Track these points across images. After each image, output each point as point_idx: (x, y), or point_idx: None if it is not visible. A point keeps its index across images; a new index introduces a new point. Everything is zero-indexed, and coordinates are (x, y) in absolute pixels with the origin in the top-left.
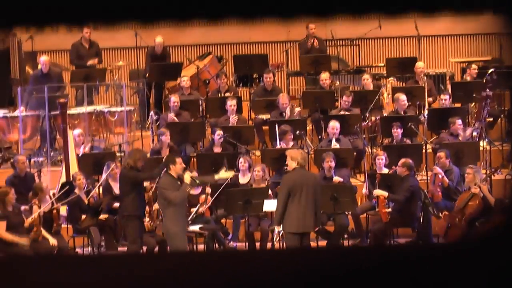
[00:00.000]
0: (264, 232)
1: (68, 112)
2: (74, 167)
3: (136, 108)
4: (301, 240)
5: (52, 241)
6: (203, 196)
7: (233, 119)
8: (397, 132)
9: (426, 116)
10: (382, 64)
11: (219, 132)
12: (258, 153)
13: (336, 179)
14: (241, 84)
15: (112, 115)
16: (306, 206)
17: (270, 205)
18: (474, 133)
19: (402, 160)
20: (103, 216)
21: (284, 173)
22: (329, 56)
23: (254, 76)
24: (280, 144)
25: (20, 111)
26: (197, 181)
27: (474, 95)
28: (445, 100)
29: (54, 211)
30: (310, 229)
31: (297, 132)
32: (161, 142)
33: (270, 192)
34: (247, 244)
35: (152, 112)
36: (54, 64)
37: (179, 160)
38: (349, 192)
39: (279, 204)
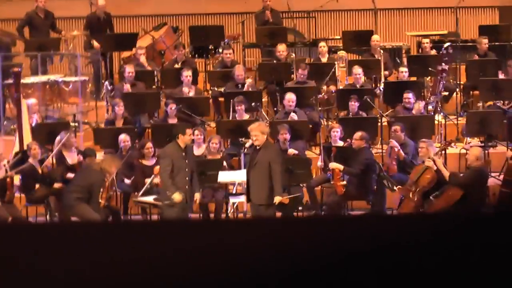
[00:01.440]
0: (219, 204)
1: (22, 81)
2: (27, 137)
3: (90, 78)
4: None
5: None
6: (157, 168)
7: (186, 91)
8: (354, 105)
9: (382, 90)
10: (339, 37)
11: (172, 105)
12: (213, 124)
13: (291, 151)
14: (196, 55)
15: (66, 85)
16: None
17: (225, 176)
18: (430, 107)
19: (358, 133)
20: (57, 185)
21: (245, 147)
22: (285, 28)
23: (210, 47)
24: (235, 115)
25: None
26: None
27: (430, 69)
28: (404, 72)
29: (8, 179)
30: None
31: (253, 104)
32: (115, 113)
33: (225, 163)
34: (201, 215)
35: (106, 82)
36: (6, 33)
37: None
38: (304, 165)
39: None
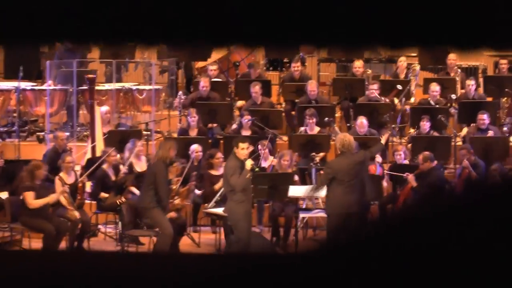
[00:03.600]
0: (288, 218)
1: (96, 88)
2: (100, 144)
3: (164, 87)
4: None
5: (76, 213)
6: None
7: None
8: (425, 124)
9: (456, 109)
10: (415, 54)
11: (247, 116)
12: (285, 138)
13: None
14: (271, 68)
15: (140, 93)
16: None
17: (295, 191)
18: (505, 128)
19: (420, 156)
20: (124, 197)
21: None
22: None
23: (285, 60)
24: (305, 128)
25: (48, 85)
26: (256, 169)
27: (506, 90)
28: (471, 86)
29: (79, 185)
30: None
31: (326, 119)
32: (188, 123)
33: (296, 177)
34: (270, 229)
35: (180, 92)
36: None
37: (242, 145)
38: (375, 181)
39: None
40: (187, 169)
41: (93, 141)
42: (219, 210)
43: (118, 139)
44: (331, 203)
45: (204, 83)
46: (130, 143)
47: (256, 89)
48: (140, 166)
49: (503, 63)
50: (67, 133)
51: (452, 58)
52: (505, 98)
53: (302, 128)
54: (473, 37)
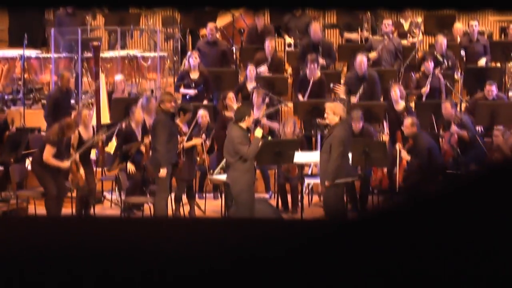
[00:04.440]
0: (294, 184)
1: (101, 55)
2: (105, 111)
3: (170, 54)
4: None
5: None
6: None
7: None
8: (430, 65)
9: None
10: (420, 20)
11: (251, 67)
12: (290, 104)
13: None
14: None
15: (145, 60)
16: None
17: (301, 157)
18: (511, 93)
19: (408, 120)
20: (146, 139)
21: (318, 126)
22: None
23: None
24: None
25: (53, 53)
26: (269, 137)
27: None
28: (475, 27)
29: (100, 143)
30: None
31: (331, 85)
32: (189, 64)
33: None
34: (278, 196)
35: (189, 53)
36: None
37: (250, 117)
38: (381, 148)
39: (337, 161)
40: (192, 127)
41: (98, 108)
42: (223, 177)
43: (124, 105)
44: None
45: (210, 26)
46: (144, 99)
47: (271, 43)
48: (149, 123)
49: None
50: (72, 101)
51: (458, 27)
52: (511, 63)
53: (301, 98)
54: None
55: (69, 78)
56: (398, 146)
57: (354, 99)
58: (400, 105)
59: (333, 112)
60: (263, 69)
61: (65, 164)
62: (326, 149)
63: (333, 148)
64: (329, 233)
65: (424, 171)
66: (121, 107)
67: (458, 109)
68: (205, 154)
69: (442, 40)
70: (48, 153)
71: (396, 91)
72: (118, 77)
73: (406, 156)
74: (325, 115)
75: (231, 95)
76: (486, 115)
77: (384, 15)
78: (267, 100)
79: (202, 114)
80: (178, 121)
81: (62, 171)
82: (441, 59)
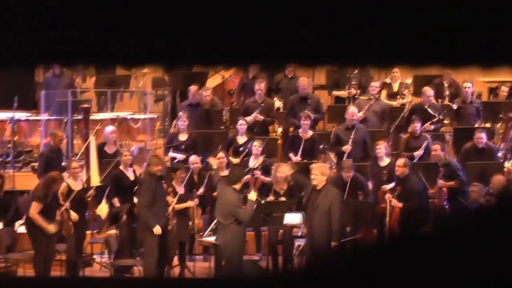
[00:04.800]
0: (287, 245)
1: (91, 117)
2: (94, 174)
3: (160, 116)
4: None
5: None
6: None
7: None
8: (417, 126)
9: (450, 136)
10: (410, 80)
11: (242, 122)
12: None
13: None
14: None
15: (135, 122)
16: None
17: (291, 218)
18: (500, 154)
19: (401, 160)
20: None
21: (306, 187)
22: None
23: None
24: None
25: (44, 116)
26: (262, 202)
27: (501, 115)
28: (468, 88)
29: (89, 198)
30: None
31: (321, 146)
32: (178, 128)
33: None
34: (269, 257)
35: (180, 113)
36: (73, 69)
37: (243, 179)
38: (372, 209)
39: (341, 221)
40: (185, 179)
41: (88, 171)
42: (212, 239)
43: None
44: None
45: (192, 90)
46: (136, 150)
47: (261, 86)
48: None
49: (504, 90)
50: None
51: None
52: (500, 124)
53: (293, 157)
54: (464, 55)
55: (61, 138)
56: (387, 196)
57: (346, 148)
58: (385, 161)
59: (321, 173)
60: (255, 114)
61: (50, 227)
62: (324, 210)
63: (335, 209)
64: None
65: (420, 213)
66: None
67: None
68: (198, 218)
69: (429, 92)
70: (34, 210)
71: (381, 148)
72: (109, 128)
73: (397, 204)
74: (312, 177)
75: (221, 155)
76: (475, 174)
77: (372, 75)
78: (264, 160)
79: (193, 160)
80: (173, 182)
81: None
82: (430, 111)
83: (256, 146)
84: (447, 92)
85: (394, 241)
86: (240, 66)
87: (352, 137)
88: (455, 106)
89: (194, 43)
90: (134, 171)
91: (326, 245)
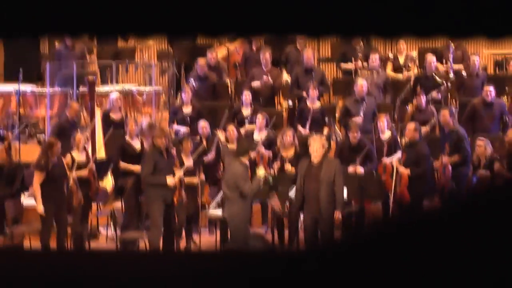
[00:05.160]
0: (292, 219)
1: (96, 90)
2: (100, 146)
3: (165, 88)
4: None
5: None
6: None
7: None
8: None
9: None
10: (415, 53)
11: (246, 92)
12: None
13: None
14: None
15: (140, 95)
16: None
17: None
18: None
19: (412, 124)
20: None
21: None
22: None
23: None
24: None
25: (48, 88)
26: (271, 181)
27: (506, 87)
28: (476, 61)
29: (91, 174)
30: None
31: (326, 118)
32: (182, 100)
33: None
34: (275, 231)
35: (191, 79)
36: (83, 41)
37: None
38: (377, 183)
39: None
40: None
41: (93, 144)
42: (220, 212)
43: (119, 142)
44: None
45: (200, 62)
46: (144, 123)
47: (266, 55)
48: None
49: None
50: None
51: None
52: (505, 97)
53: (302, 129)
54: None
55: (77, 109)
56: (395, 163)
57: (358, 119)
58: (386, 134)
59: (322, 146)
60: (264, 80)
61: (40, 207)
62: (329, 182)
63: (338, 178)
64: (322, 262)
65: (427, 180)
66: (117, 143)
67: None
68: (205, 193)
69: (430, 58)
70: (36, 180)
71: (384, 121)
72: (114, 95)
73: (405, 170)
74: (314, 149)
75: (232, 127)
76: None
77: (377, 48)
78: (268, 132)
79: (203, 126)
80: (182, 154)
81: (65, 204)
82: (436, 78)
83: (260, 119)
84: (451, 55)
85: (402, 214)
86: (244, 36)
87: (363, 109)
88: (464, 73)
89: (198, 12)
90: (142, 142)
91: (332, 217)
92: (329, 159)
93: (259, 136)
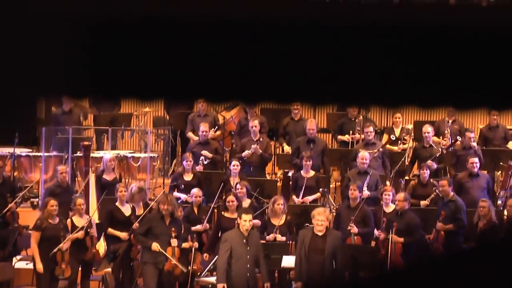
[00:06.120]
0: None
1: (91, 155)
2: (93, 210)
3: (160, 155)
4: None
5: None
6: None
7: (254, 148)
8: (426, 173)
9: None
10: (410, 126)
11: (235, 164)
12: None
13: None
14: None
15: (135, 161)
16: None
17: (289, 260)
18: (499, 202)
19: (401, 194)
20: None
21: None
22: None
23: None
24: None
25: (44, 152)
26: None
27: (501, 163)
28: (471, 138)
29: (88, 238)
30: None
31: (320, 189)
32: (183, 167)
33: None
34: None
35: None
36: (80, 106)
37: (245, 216)
38: (370, 253)
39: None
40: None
41: (87, 208)
42: (213, 279)
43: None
44: None
45: (203, 128)
46: (134, 187)
47: (254, 123)
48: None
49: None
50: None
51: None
52: (500, 172)
53: (296, 199)
54: (473, 97)
55: (64, 172)
56: (391, 236)
57: (365, 194)
58: (390, 208)
59: (326, 218)
60: (253, 148)
61: (39, 266)
62: (331, 253)
63: (340, 253)
64: None
65: (419, 248)
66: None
67: None
68: (197, 264)
69: (426, 129)
70: (33, 240)
71: (390, 194)
72: (108, 156)
73: (398, 239)
74: (320, 222)
75: (232, 197)
76: None
77: (373, 119)
78: (252, 201)
79: (196, 193)
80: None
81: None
82: (434, 146)
83: (239, 188)
84: (448, 130)
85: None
86: (246, 103)
87: (367, 182)
88: (459, 139)
89: (196, 78)
90: (133, 208)
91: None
92: (332, 231)
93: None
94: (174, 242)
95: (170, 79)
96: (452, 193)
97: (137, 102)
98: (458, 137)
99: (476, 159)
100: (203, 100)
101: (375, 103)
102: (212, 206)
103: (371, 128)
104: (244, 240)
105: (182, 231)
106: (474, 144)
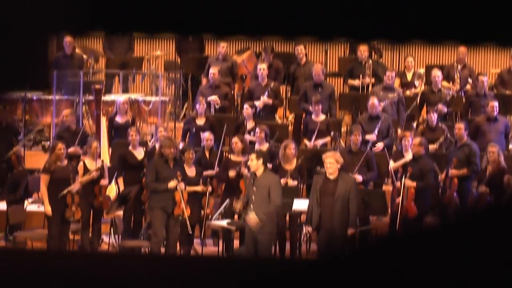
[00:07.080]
0: (294, 232)
1: (102, 99)
2: (105, 155)
3: (171, 99)
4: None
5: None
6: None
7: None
8: (433, 116)
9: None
10: (422, 70)
11: (248, 107)
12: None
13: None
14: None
15: (146, 105)
16: None
17: (300, 204)
18: (510, 146)
19: (417, 139)
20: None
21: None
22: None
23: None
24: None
25: (55, 95)
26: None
27: None
28: (485, 82)
29: (97, 186)
30: None
31: (331, 133)
32: (196, 111)
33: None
34: (276, 243)
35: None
36: (89, 50)
37: (253, 156)
38: (380, 197)
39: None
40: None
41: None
42: (223, 223)
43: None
44: None
45: (213, 70)
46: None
47: (262, 66)
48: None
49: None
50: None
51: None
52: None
53: (308, 143)
54: (480, 32)
55: (69, 115)
56: (403, 179)
57: (371, 137)
58: (410, 154)
59: (336, 161)
60: (263, 98)
61: (47, 208)
62: (344, 198)
63: (353, 197)
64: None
65: (432, 193)
66: (121, 150)
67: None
68: (210, 207)
69: (434, 73)
70: (42, 182)
71: (409, 140)
72: (121, 99)
73: (411, 183)
74: (329, 165)
75: (237, 139)
76: None
77: (387, 66)
78: (270, 145)
79: (207, 137)
80: (184, 164)
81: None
82: (443, 90)
83: (258, 132)
84: (458, 75)
85: (406, 230)
86: (253, 37)
87: (378, 127)
88: (470, 81)
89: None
90: (145, 150)
91: (344, 233)
92: (345, 175)
93: (260, 149)
94: (181, 185)
95: (178, 13)
96: (466, 137)
97: (147, 42)
98: (469, 79)
99: (495, 103)
100: (224, 42)
101: (383, 37)
102: (220, 148)
103: (393, 73)
104: (252, 180)
105: (194, 175)
106: (486, 89)
